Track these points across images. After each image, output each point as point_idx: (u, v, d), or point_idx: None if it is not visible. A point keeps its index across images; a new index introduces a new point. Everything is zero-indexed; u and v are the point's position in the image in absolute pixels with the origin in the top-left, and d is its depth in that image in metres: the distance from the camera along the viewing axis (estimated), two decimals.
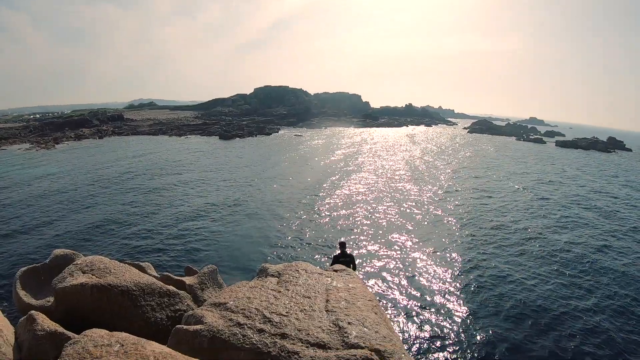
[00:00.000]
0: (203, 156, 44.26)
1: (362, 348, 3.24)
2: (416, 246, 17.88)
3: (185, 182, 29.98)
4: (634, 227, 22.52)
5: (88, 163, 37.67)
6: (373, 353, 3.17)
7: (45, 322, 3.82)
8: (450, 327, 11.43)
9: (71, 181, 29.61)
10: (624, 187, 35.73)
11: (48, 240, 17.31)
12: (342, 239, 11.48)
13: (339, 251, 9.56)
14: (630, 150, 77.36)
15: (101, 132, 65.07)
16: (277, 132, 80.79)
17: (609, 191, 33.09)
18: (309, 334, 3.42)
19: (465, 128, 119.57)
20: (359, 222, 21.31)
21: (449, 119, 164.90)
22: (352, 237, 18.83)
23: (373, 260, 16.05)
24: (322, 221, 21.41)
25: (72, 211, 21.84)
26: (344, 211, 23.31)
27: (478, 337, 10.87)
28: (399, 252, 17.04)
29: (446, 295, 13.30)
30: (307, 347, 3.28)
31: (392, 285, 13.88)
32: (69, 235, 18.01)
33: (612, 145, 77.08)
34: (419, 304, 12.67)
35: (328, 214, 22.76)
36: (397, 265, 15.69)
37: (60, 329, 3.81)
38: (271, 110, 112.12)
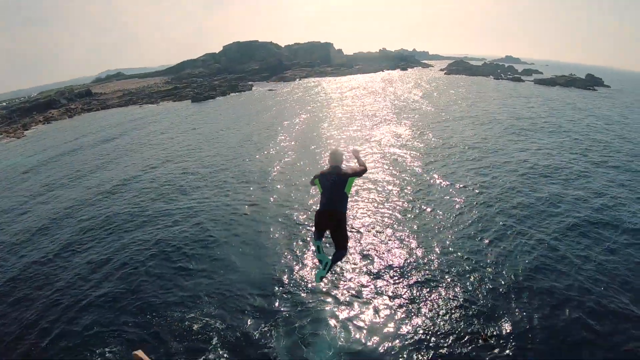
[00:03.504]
0: (172, 128, 41.44)
1: None
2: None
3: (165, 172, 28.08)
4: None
5: (59, 153, 34.93)
6: None
7: None
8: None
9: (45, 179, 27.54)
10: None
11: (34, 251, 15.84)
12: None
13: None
14: (609, 86, 76.97)
15: (70, 112, 62.14)
16: (250, 89, 76.96)
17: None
18: None
19: (441, 69, 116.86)
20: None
21: (424, 61, 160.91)
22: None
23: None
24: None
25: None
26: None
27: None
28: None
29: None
30: None
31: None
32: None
33: (591, 82, 76.45)
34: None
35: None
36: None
37: None
38: (242, 67, 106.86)
